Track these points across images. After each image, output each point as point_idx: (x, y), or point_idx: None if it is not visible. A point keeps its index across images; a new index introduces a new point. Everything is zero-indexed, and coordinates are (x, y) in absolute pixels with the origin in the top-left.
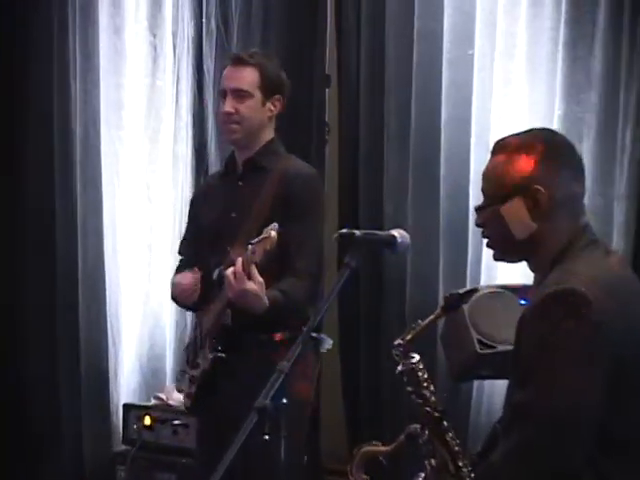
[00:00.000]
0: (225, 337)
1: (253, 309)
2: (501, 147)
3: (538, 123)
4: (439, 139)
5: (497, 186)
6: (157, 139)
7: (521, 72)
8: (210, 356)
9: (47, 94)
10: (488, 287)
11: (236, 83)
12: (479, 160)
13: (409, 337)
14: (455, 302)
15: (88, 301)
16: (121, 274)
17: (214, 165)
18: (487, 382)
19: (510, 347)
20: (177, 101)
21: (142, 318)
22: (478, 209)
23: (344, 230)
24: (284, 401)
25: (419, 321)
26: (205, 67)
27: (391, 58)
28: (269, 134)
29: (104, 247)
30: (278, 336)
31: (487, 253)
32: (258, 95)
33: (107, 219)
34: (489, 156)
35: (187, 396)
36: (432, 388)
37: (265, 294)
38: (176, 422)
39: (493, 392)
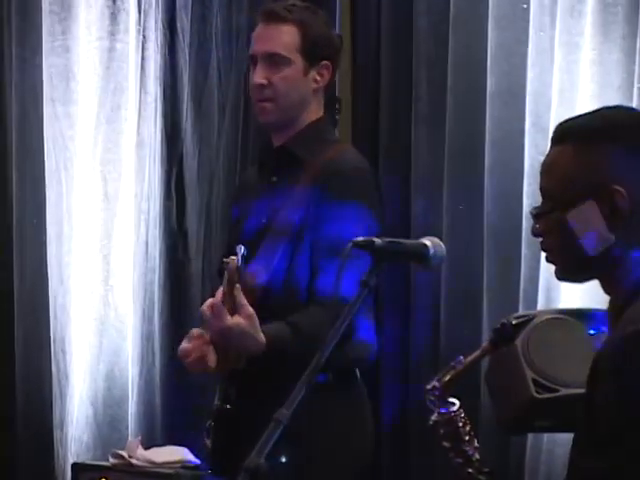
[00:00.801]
0: (239, 384)
1: (246, 351)
2: (566, 133)
3: (612, 100)
4: (483, 119)
5: (562, 185)
6: (117, 118)
7: (590, 33)
8: (214, 407)
9: None
10: (547, 313)
11: (269, 46)
12: (536, 147)
13: (447, 378)
14: (507, 334)
15: (26, 330)
16: (69, 294)
17: (190, 152)
18: (546, 436)
19: (576, 391)
20: (142, 69)
21: (97, 352)
22: (536, 214)
23: (360, 238)
24: (283, 460)
25: (460, 358)
26: (179, 25)
27: (422, 13)
28: (315, 113)
29: (47, 260)
30: (321, 378)
31: (546, 268)
32: (299, 61)
33: (51, 223)
34: (549, 144)
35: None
36: (476, 444)
37: (264, 329)
38: None
39: (553, 448)
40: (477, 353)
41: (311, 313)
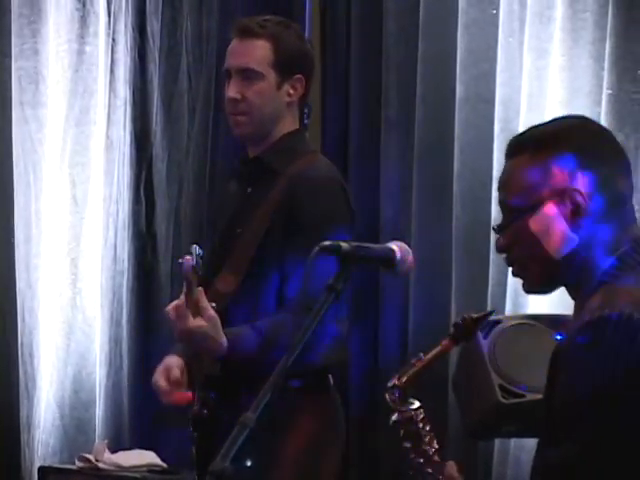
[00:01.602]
0: (214, 390)
1: (208, 353)
2: (520, 144)
3: (581, 105)
4: (452, 125)
5: (521, 193)
6: (86, 121)
7: (560, 38)
8: (191, 413)
9: None
10: (514, 318)
11: (242, 61)
12: (502, 157)
13: (406, 377)
14: (468, 329)
15: None
16: (37, 297)
17: (159, 156)
18: (513, 441)
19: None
20: (112, 72)
21: (64, 355)
22: (499, 228)
23: (326, 243)
24: (248, 464)
25: (420, 355)
26: (149, 28)
27: (391, 17)
28: (289, 125)
29: (15, 262)
30: (294, 383)
31: None
32: (271, 75)
33: (19, 226)
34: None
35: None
36: (435, 445)
37: (227, 332)
38: None
39: (520, 454)
40: (437, 349)
41: (278, 318)
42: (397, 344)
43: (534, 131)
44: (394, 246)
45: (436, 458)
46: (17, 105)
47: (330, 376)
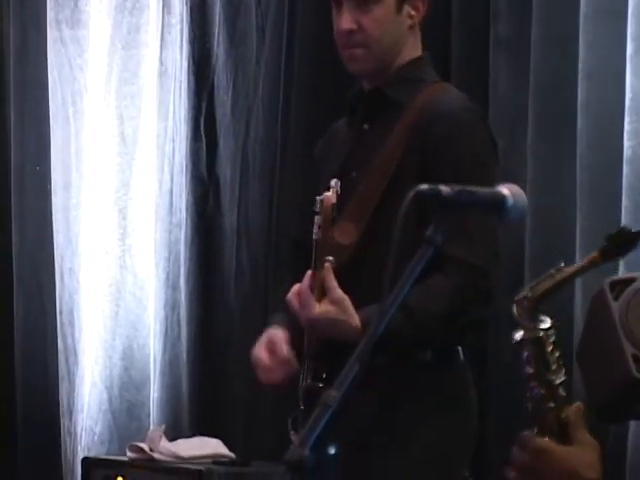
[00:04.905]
0: (329, 361)
1: (340, 339)
2: None
3: None
4: (576, 44)
5: None
6: (135, 43)
7: None
8: (303, 386)
9: None
10: None
11: None
12: (637, 83)
13: (541, 290)
14: (623, 244)
15: (27, 298)
16: (79, 255)
17: (222, 85)
18: None
19: None
20: None
21: (112, 324)
22: None
23: (424, 186)
24: (332, 451)
25: (561, 265)
26: None
27: None
28: (411, 51)
29: (53, 215)
30: (420, 356)
31: None
32: None
33: (57, 170)
34: None
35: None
36: (563, 375)
37: (360, 313)
38: None
39: None
40: (582, 262)
41: (433, 286)
42: (509, 309)
43: None
44: (505, 189)
45: (561, 391)
46: (53, 24)
47: (460, 349)
